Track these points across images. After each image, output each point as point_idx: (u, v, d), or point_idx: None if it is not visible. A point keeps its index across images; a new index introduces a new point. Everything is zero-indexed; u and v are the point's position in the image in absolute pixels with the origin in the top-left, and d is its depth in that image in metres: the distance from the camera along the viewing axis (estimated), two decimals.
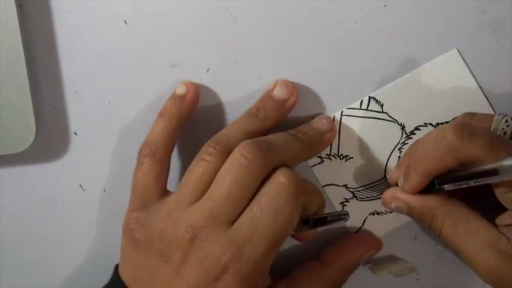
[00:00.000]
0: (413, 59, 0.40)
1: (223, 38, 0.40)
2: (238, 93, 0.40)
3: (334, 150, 0.41)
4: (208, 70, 0.40)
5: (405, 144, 0.41)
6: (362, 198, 0.42)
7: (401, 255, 0.43)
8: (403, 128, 0.41)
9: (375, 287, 0.43)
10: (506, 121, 0.36)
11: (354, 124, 0.41)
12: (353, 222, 0.42)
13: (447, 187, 0.35)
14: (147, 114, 0.40)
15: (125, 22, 0.40)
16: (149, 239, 0.36)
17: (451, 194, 0.37)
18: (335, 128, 0.40)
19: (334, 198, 0.42)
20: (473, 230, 0.35)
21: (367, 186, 0.42)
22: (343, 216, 0.38)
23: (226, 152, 0.35)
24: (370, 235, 0.42)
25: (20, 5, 0.39)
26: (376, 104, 0.40)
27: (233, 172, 0.34)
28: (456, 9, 0.39)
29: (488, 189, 0.35)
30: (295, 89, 0.39)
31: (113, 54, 0.40)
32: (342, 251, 0.40)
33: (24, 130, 0.39)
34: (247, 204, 0.34)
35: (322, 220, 0.37)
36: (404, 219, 0.42)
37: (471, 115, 0.38)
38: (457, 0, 0.39)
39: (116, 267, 0.38)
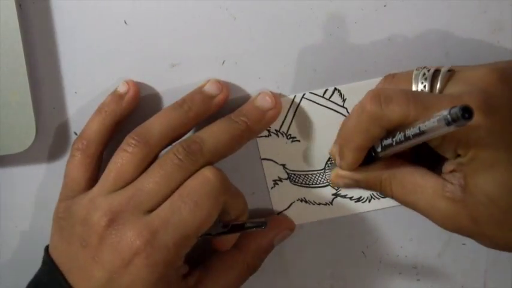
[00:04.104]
0: (413, 59, 0.39)
1: (223, 38, 0.40)
2: (238, 93, 0.40)
3: (284, 129, 0.41)
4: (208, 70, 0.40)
5: None
6: (296, 182, 0.42)
7: (401, 255, 0.43)
8: None
9: (375, 287, 0.43)
10: (424, 74, 0.35)
11: (311, 109, 0.40)
12: (278, 204, 0.42)
13: (382, 154, 0.35)
14: (146, 114, 0.40)
15: (125, 22, 0.40)
16: (72, 226, 0.36)
17: (397, 156, 0.36)
18: (279, 105, 0.39)
19: (269, 174, 0.42)
20: (420, 185, 0.34)
21: (304, 172, 0.41)
22: (260, 224, 0.39)
23: (146, 144, 0.36)
24: (282, 216, 0.42)
25: (20, 5, 0.39)
26: (339, 97, 0.40)
27: (164, 167, 0.36)
28: (456, 9, 0.39)
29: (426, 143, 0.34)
30: (226, 88, 0.39)
31: (113, 54, 0.40)
32: (254, 234, 0.40)
33: (24, 130, 0.39)
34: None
35: (240, 226, 0.38)
36: (329, 214, 0.42)
37: (392, 76, 0.38)
38: (457, 0, 0.39)
39: (46, 248, 0.39)
